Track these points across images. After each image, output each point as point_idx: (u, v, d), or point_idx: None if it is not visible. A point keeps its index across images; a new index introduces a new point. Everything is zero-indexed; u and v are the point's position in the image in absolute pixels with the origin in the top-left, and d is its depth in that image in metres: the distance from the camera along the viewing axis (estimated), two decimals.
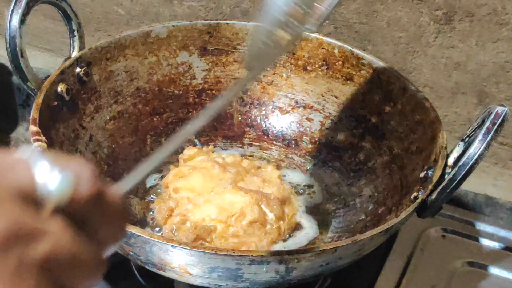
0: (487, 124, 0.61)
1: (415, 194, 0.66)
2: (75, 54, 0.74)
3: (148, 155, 0.79)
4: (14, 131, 0.99)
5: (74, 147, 0.71)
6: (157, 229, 0.71)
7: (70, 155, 0.63)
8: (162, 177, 0.76)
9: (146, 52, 0.79)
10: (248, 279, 0.58)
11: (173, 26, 0.80)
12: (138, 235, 0.55)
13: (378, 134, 0.77)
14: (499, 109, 0.62)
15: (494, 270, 0.74)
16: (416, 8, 0.81)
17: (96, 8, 0.96)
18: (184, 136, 0.47)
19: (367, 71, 0.78)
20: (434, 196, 0.63)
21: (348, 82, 0.80)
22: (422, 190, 0.65)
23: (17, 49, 0.68)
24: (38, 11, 0.97)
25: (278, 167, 0.81)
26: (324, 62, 0.81)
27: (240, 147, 0.83)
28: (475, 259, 0.75)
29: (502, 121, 0.61)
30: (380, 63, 0.77)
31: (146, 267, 0.61)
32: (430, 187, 0.63)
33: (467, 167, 0.61)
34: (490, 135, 0.61)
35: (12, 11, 0.67)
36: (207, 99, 0.84)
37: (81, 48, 0.75)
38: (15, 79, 0.97)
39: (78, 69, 0.73)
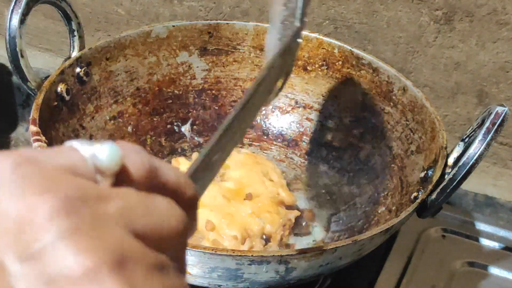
0: (487, 124, 0.61)
1: (415, 194, 0.66)
2: (75, 54, 0.74)
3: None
4: (14, 131, 0.99)
5: None
6: None
7: None
8: None
9: (146, 52, 0.79)
10: (248, 279, 0.58)
11: (173, 26, 0.80)
12: None
13: (378, 134, 0.77)
14: (499, 109, 0.62)
15: (494, 270, 0.74)
16: (416, 8, 0.81)
17: (96, 8, 0.96)
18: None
19: (367, 71, 0.78)
20: (434, 196, 0.63)
21: (348, 82, 0.80)
22: (422, 190, 0.65)
23: (17, 49, 0.68)
24: (38, 11, 0.97)
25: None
26: (324, 62, 0.81)
27: (240, 147, 0.83)
28: (475, 259, 0.75)
29: (502, 121, 0.61)
30: (380, 63, 0.77)
31: None
32: (430, 187, 0.63)
33: (467, 167, 0.61)
34: (490, 135, 0.61)
35: (12, 11, 0.67)
36: (207, 99, 0.84)
37: (81, 48, 0.75)
38: (15, 79, 0.97)
39: (78, 69, 0.73)
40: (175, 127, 0.82)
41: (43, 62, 1.00)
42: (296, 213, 0.73)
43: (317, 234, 0.74)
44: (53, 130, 0.68)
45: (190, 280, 0.60)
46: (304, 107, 0.82)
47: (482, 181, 0.85)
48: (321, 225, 0.75)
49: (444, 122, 0.83)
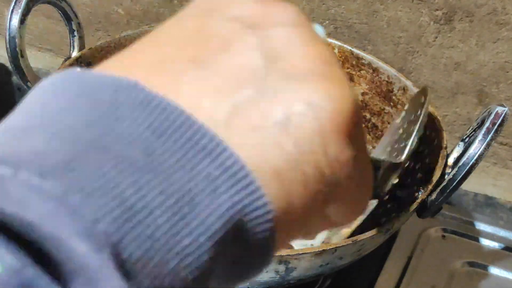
0: (487, 124, 0.61)
1: (415, 194, 0.66)
2: (75, 54, 0.74)
3: None
4: None
5: None
6: None
7: None
8: None
9: None
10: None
11: None
12: None
13: (378, 134, 0.77)
14: (499, 109, 0.62)
15: (494, 270, 0.74)
16: (416, 8, 0.81)
17: (96, 8, 0.96)
18: None
19: (367, 71, 0.78)
20: (434, 196, 0.63)
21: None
22: (422, 190, 0.65)
23: (17, 49, 0.68)
24: (38, 11, 0.97)
25: None
26: None
27: None
28: (475, 259, 0.75)
29: (502, 121, 0.61)
30: (380, 63, 0.77)
31: None
32: (430, 187, 0.63)
33: (467, 167, 0.61)
34: (490, 135, 0.61)
35: (12, 11, 0.67)
36: None
37: (81, 48, 0.75)
38: (15, 79, 0.97)
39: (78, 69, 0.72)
40: None
41: (43, 62, 1.00)
42: None
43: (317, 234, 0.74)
44: None
45: None
46: None
47: (482, 181, 0.85)
48: None
49: (444, 122, 0.83)
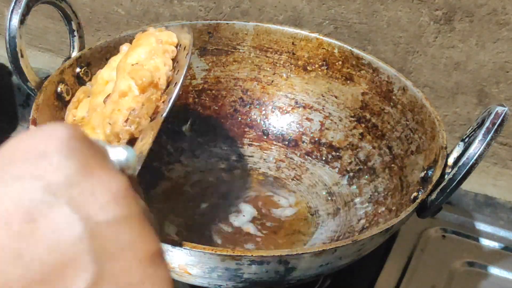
0: (487, 124, 0.61)
1: (415, 194, 0.66)
2: (75, 54, 0.74)
3: (148, 156, 0.79)
4: (14, 131, 0.99)
5: None
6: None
7: None
8: None
9: None
10: (248, 279, 0.58)
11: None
12: None
13: (378, 134, 0.77)
14: (499, 109, 0.62)
15: (494, 270, 0.74)
16: (416, 8, 0.81)
17: (96, 8, 0.96)
18: None
19: (367, 71, 0.78)
20: (434, 196, 0.63)
21: (348, 82, 0.80)
22: (422, 190, 0.65)
23: (17, 49, 0.68)
24: (38, 11, 0.97)
25: (277, 168, 0.81)
26: (324, 62, 0.81)
27: (240, 147, 0.83)
28: (475, 259, 0.75)
29: (502, 121, 0.61)
30: (380, 63, 0.77)
31: None
32: (430, 187, 0.63)
33: (467, 167, 0.61)
34: (490, 135, 0.61)
35: (12, 11, 0.67)
36: (207, 99, 0.84)
37: (81, 48, 0.75)
38: (15, 79, 0.97)
39: (78, 69, 0.72)
40: (175, 127, 0.82)
41: (43, 62, 1.00)
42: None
43: (317, 234, 0.74)
44: None
45: (190, 280, 0.60)
46: (304, 107, 0.82)
47: (482, 181, 0.85)
48: (321, 225, 0.75)
49: (444, 122, 0.83)
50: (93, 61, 0.74)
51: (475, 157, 0.61)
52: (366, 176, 0.76)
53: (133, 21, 0.95)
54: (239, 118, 0.84)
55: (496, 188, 0.85)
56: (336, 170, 0.79)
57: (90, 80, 0.73)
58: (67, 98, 0.71)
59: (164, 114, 0.59)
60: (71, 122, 0.67)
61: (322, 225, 0.75)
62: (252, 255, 0.55)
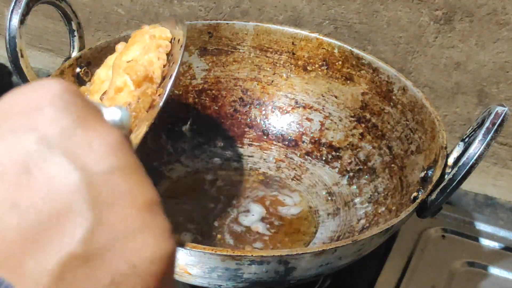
0: (487, 124, 0.61)
1: (415, 194, 0.66)
2: (75, 54, 0.74)
3: (148, 156, 0.79)
4: None
5: None
6: None
7: None
8: None
9: None
10: (248, 279, 0.58)
11: None
12: None
13: (378, 134, 0.77)
14: (499, 109, 0.62)
15: (494, 270, 0.74)
16: (416, 8, 0.81)
17: (96, 8, 0.96)
18: None
19: (367, 71, 0.78)
20: (434, 196, 0.63)
21: (348, 82, 0.80)
22: (422, 190, 0.65)
23: (17, 49, 0.68)
24: (38, 11, 0.97)
25: (278, 167, 0.81)
26: (324, 62, 0.81)
27: (240, 147, 0.83)
28: (475, 259, 0.75)
29: (502, 121, 0.61)
30: (380, 63, 0.77)
31: None
32: (430, 187, 0.63)
33: (467, 167, 0.61)
34: (490, 135, 0.61)
35: (12, 11, 0.67)
36: (207, 99, 0.84)
37: (81, 48, 0.75)
38: (15, 79, 0.97)
39: (78, 69, 0.73)
40: (175, 127, 0.82)
41: (43, 62, 1.00)
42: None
43: (317, 234, 0.74)
44: None
45: (190, 280, 0.60)
46: (304, 107, 0.82)
47: (482, 181, 0.85)
48: (321, 225, 0.75)
49: (444, 122, 0.83)
50: (93, 61, 0.74)
51: (475, 157, 0.61)
52: (366, 176, 0.76)
53: (133, 21, 0.95)
54: (239, 118, 0.84)
55: (496, 188, 0.85)
56: (336, 170, 0.79)
57: (90, 80, 0.73)
58: None
59: (161, 104, 0.59)
60: None
61: (322, 225, 0.75)
62: (252, 255, 0.55)
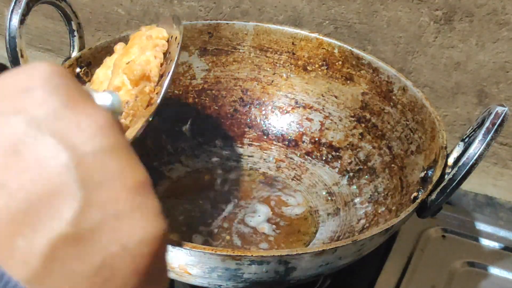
0: (487, 124, 0.61)
1: (415, 194, 0.66)
2: (75, 54, 0.74)
3: (148, 156, 0.79)
4: None
5: None
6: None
7: None
8: None
9: None
10: (248, 279, 0.58)
11: None
12: None
13: (378, 134, 0.77)
14: (499, 109, 0.62)
15: (494, 270, 0.74)
16: (416, 8, 0.81)
17: (96, 8, 0.96)
18: None
19: (367, 71, 0.78)
20: (434, 196, 0.63)
21: (348, 82, 0.80)
22: (422, 190, 0.65)
23: (17, 49, 0.68)
24: (38, 11, 0.97)
25: (278, 168, 0.81)
26: (324, 62, 0.81)
27: (240, 147, 0.83)
28: (475, 259, 0.75)
29: (502, 121, 0.61)
30: (380, 63, 0.77)
31: None
32: (430, 187, 0.63)
33: (467, 167, 0.61)
34: (490, 135, 0.61)
35: (12, 11, 0.67)
36: (207, 99, 0.84)
37: (81, 48, 0.75)
38: None
39: (78, 69, 0.73)
40: (175, 127, 0.82)
41: None
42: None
43: (317, 234, 0.74)
44: None
45: (190, 280, 0.60)
46: (304, 107, 0.82)
47: (482, 181, 0.85)
48: (321, 225, 0.75)
49: (444, 122, 0.83)
50: (93, 61, 0.74)
51: (475, 157, 0.61)
52: (366, 176, 0.76)
53: (133, 21, 0.95)
54: (239, 118, 0.84)
55: (496, 188, 0.85)
56: (336, 170, 0.79)
57: (89, 80, 0.73)
58: None
59: (158, 100, 0.59)
60: None
61: (322, 225, 0.75)
62: (252, 255, 0.55)
